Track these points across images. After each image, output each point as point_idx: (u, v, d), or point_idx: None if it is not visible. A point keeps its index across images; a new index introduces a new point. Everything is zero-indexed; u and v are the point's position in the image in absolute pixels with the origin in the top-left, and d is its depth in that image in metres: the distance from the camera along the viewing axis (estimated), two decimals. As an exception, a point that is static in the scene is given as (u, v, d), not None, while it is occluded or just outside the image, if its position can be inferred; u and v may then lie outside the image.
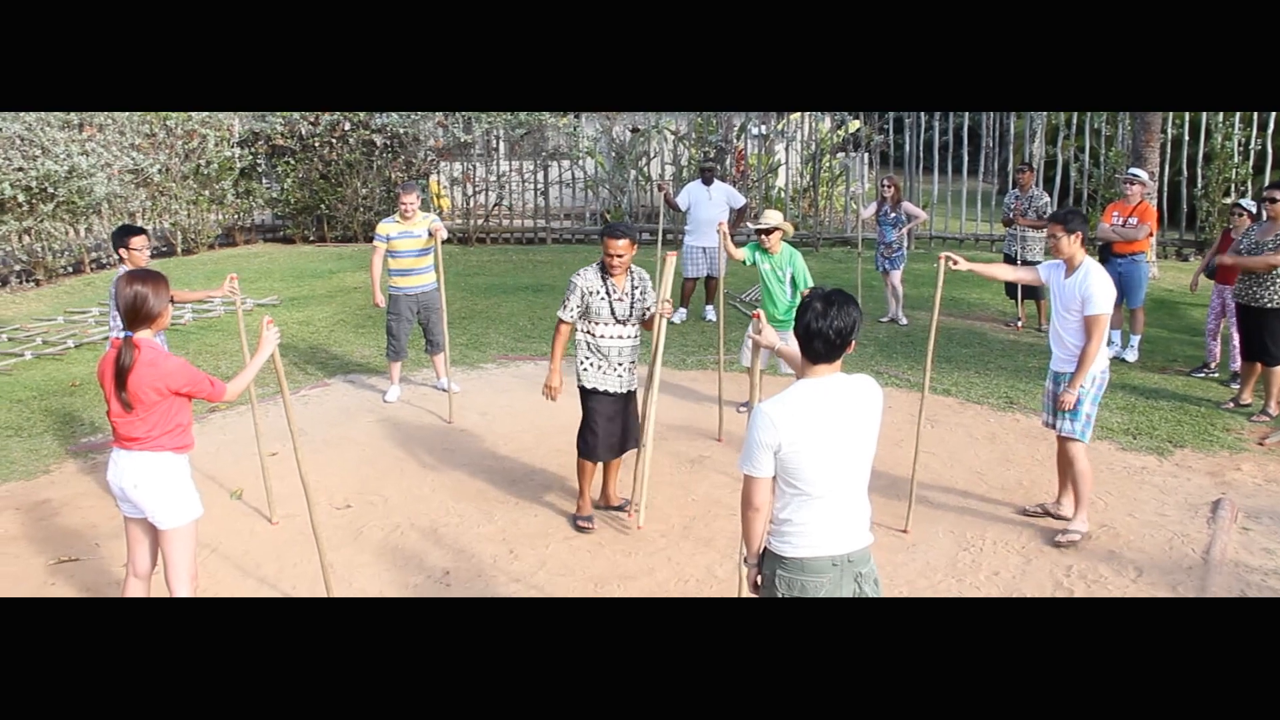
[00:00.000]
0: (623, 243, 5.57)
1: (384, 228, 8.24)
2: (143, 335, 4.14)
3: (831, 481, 3.25)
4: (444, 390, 8.30)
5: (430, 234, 8.13)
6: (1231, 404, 7.85)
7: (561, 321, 5.73)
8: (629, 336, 5.74)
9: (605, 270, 5.66)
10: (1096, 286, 5.42)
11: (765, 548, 3.41)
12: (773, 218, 7.45)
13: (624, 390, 5.81)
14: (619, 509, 6.09)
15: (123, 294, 4.09)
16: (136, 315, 4.11)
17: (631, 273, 5.73)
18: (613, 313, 5.68)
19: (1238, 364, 8.49)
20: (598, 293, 5.65)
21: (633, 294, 5.72)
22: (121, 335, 4.12)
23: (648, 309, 5.78)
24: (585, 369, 5.76)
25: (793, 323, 3.36)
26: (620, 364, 5.76)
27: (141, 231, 6.43)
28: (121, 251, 6.34)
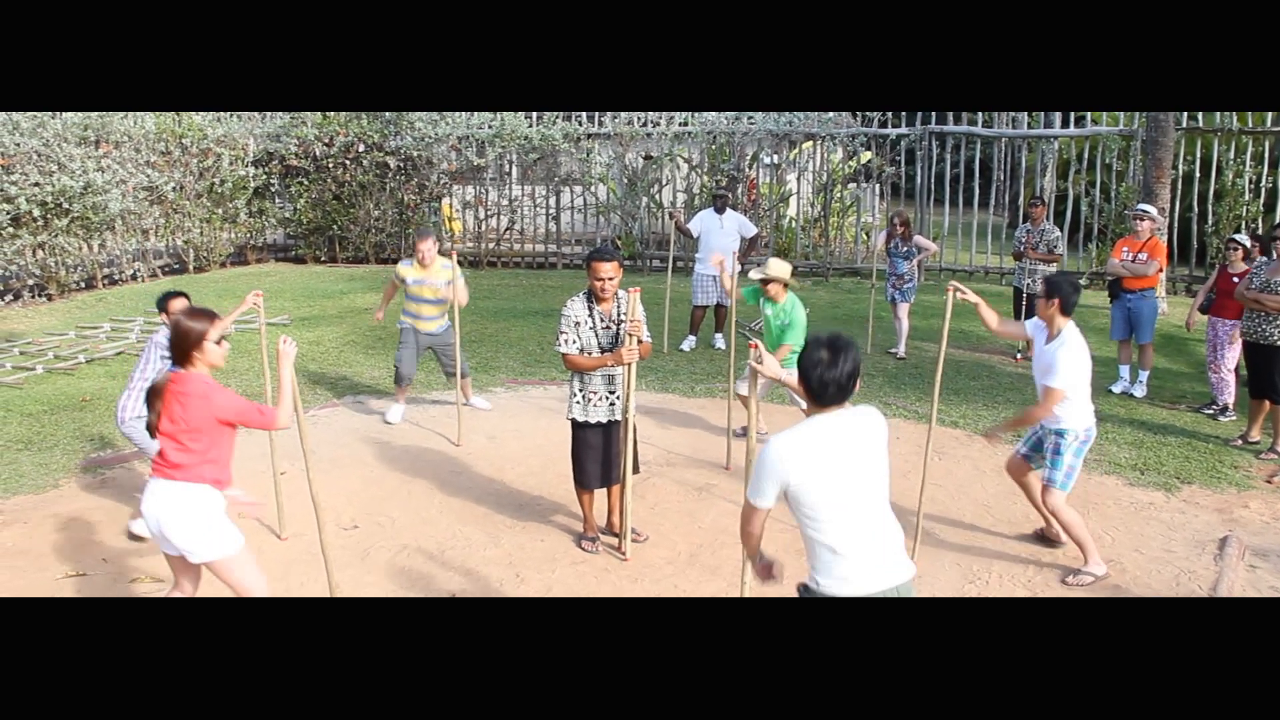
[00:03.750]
0: (610, 265, 5.52)
1: (403, 270, 8.23)
2: (198, 371, 4.26)
3: (850, 517, 3.22)
4: (475, 408, 8.55)
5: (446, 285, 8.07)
6: (1240, 441, 7.84)
7: (566, 355, 5.67)
8: (615, 366, 5.71)
9: (592, 299, 5.65)
10: (1065, 361, 5.37)
11: (806, 591, 3.36)
12: (773, 269, 7.17)
13: (608, 420, 5.82)
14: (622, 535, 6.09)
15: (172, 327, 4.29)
16: (180, 348, 4.27)
17: (617, 299, 5.70)
18: (599, 344, 5.67)
19: (1231, 397, 8.50)
20: (585, 323, 5.64)
21: (619, 321, 5.69)
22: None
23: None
24: (576, 402, 5.78)
25: (795, 366, 3.37)
26: (609, 393, 5.78)
27: (183, 295, 5.98)
28: (164, 316, 5.93)
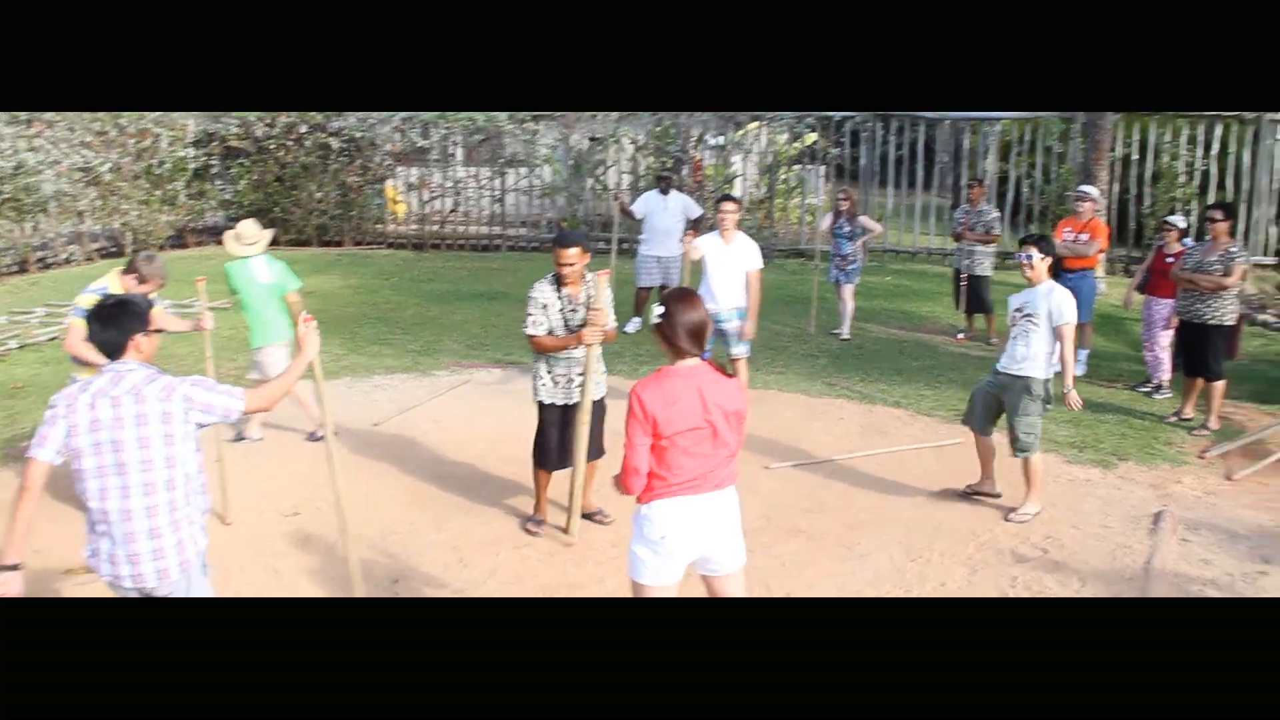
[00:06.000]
0: (574, 250, 5.54)
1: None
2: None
3: None
4: None
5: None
6: (1174, 418, 7.99)
7: (533, 337, 5.67)
8: (579, 347, 5.71)
9: (559, 282, 5.64)
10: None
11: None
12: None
13: (571, 401, 5.81)
14: (589, 517, 6.08)
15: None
16: None
17: (585, 281, 5.72)
18: (566, 324, 5.66)
19: (1165, 375, 8.65)
20: (553, 305, 5.64)
21: (586, 303, 5.70)
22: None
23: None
24: (542, 384, 5.78)
25: None
26: (571, 374, 5.77)
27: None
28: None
